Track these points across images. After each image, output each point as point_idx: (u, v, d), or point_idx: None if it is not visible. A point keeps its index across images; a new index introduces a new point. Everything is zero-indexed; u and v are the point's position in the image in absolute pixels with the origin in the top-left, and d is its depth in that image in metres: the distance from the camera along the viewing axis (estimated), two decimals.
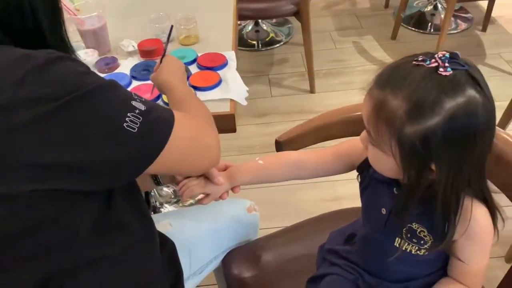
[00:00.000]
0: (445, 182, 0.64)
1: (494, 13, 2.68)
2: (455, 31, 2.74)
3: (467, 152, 0.63)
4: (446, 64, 0.62)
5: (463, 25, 2.80)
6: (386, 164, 0.68)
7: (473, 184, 0.68)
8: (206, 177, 0.85)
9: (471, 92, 0.62)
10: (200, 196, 0.86)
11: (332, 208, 1.17)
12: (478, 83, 0.62)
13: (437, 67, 0.62)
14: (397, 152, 0.65)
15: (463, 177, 0.65)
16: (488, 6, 2.65)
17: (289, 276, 0.99)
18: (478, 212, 0.69)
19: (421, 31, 2.78)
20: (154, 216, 0.82)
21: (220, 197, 0.87)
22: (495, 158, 0.85)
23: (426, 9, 2.91)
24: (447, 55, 0.63)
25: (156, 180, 0.89)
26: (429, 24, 2.83)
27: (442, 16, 2.77)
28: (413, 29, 2.79)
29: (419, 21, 2.85)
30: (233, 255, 1.02)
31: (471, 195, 0.69)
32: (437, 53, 0.64)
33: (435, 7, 2.87)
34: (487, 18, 2.69)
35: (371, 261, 0.83)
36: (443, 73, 0.62)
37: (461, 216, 0.68)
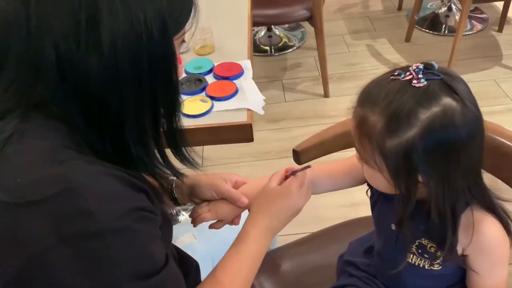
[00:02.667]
0: (435, 194, 0.64)
1: (510, 13, 2.65)
2: (470, 32, 2.71)
3: (452, 163, 0.63)
4: (420, 76, 0.62)
5: (478, 26, 2.76)
6: (379, 179, 0.68)
7: (474, 195, 0.67)
8: (226, 200, 0.83)
9: (447, 101, 0.61)
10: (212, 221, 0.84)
11: (350, 214, 1.16)
12: (455, 91, 0.62)
13: (411, 80, 0.62)
14: (383, 167, 0.65)
15: (454, 188, 0.64)
16: (504, 6, 2.61)
17: (309, 285, 0.99)
18: (486, 226, 0.68)
19: (436, 33, 2.76)
20: (178, 227, 0.82)
21: (233, 222, 0.85)
22: None
23: (440, 11, 2.89)
24: (421, 66, 0.64)
25: (175, 201, 0.87)
26: (443, 25, 2.80)
27: (457, 17, 2.75)
28: (427, 31, 2.77)
29: (433, 23, 2.83)
30: None
31: (478, 207, 0.68)
32: (411, 66, 0.64)
33: (449, 9, 2.84)
34: (503, 19, 2.65)
35: (387, 275, 0.83)
36: (417, 85, 0.62)
37: (464, 229, 0.67)
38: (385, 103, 0.62)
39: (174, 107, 0.62)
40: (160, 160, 0.63)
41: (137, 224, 0.54)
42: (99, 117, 0.55)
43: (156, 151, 0.63)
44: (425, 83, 0.62)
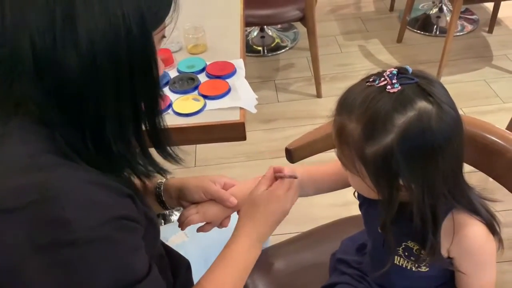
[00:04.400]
0: (416, 197, 0.64)
1: (500, 14, 2.67)
2: (461, 33, 2.74)
3: (431, 166, 0.62)
4: (394, 81, 0.62)
5: (469, 27, 2.79)
6: (362, 186, 0.68)
7: (455, 197, 0.67)
8: (214, 201, 0.82)
9: (422, 104, 0.61)
10: (200, 224, 0.83)
11: (342, 213, 1.16)
12: (430, 94, 0.61)
13: (385, 85, 0.62)
14: (364, 173, 0.65)
15: (434, 191, 0.64)
16: (494, 8, 2.64)
17: (301, 284, 0.99)
18: (468, 228, 0.68)
19: (427, 33, 2.78)
20: (170, 226, 0.82)
21: (221, 225, 0.84)
22: (507, 162, 0.85)
23: (431, 12, 2.91)
24: (394, 71, 0.63)
25: (163, 204, 0.86)
26: (435, 26, 2.83)
27: (448, 18, 2.77)
28: (419, 32, 2.79)
29: (425, 24, 2.85)
30: None
31: (460, 209, 0.68)
32: (385, 71, 0.64)
33: (441, 10, 2.87)
34: (493, 20, 2.68)
35: (377, 275, 0.83)
36: (391, 90, 0.61)
37: (447, 232, 0.68)
38: (361, 110, 0.62)
39: (155, 103, 0.60)
40: (143, 157, 0.62)
41: (117, 233, 0.53)
42: (78, 114, 0.54)
43: (138, 148, 0.61)
44: (400, 87, 0.61)
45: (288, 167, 0.80)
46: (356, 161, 0.65)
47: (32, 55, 0.51)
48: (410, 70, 0.64)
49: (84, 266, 0.51)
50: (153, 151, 0.65)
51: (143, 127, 0.61)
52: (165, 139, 0.64)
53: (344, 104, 0.66)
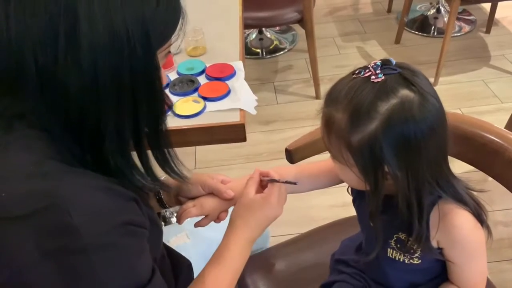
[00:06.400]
0: (401, 184, 0.66)
1: (497, 15, 2.69)
2: (458, 34, 2.75)
3: (413, 154, 0.64)
4: (378, 71, 0.64)
5: (466, 28, 2.80)
6: (350, 176, 0.69)
7: (441, 186, 0.68)
8: (213, 193, 0.83)
9: (404, 92, 0.63)
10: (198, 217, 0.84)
11: (342, 214, 1.17)
12: (412, 83, 0.63)
13: (370, 76, 0.64)
14: (352, 162, 0.66)
15: (419, 179, 0.66)
16: (491, 8, 2.65)
17: (302, 284, 0.99)
18: (455, 218, 0.69)
19: (425, 34, 2.79)
20: (171, 228, 0.82)
21: (218, 218, 0.85)
22: (505, 161, 0.85)
23: (429, 13, 2.92)
24: (378, 62, 0.66)
25: (161, 202, 0.86)
26: (433, 27, 2.84)
27: (445, 19, 2.78)
28: (417, 32, 2.80)
29: (422, 25, 2.86)
30: (247, 264, 1.02)
31: (447, 199, 0.69)
32: (370, 63, 0.66)
33: (438, 11, 2.88)
34: (491, 20, 2.69)
35: (373, 270, 0.84)
36: (375, 80, 0.64)
37: (434, 222, 0.69)
38: (347, 100, 0.64)
39: (158, 118, 0.60)
40: (143, 172, 0.61)
41: (124, 239, 0.54)
42: (78, 128, 0.54)
43: (140, 163, 0.61)
44: (383, 77, 0.64)
45: (273, 171, 0.81)
46: (344, 150, 0.66)
47: (35, 69, 0.50)
48: (394, 61, 0.66)
49: (91, 272, 0.51)
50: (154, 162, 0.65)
51: (147, 145, 0.60)
52: (169, 155, 0.64)
53: (331, 96, 0.68)
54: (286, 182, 0.79)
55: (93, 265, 0.51)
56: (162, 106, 0.60)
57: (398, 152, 0.64)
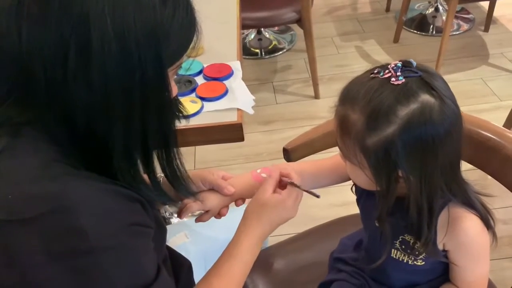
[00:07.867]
0: (414, 189, 0.65)
1: (495, 13, 2.69)
2: (457, 32, 2.75)
3: (430, 159, 0.63)
4: (398, 73, 0.63)
5: (465, 26, 2.80)
6: (361, 176, 0.69)
7: (452, 191, 0.67)
8: (213, 189, 0.83)
9: (425, 97, 0.62)
10: (198, 212, 0.84)
11: (342, 213, 1.17)
12: (433, 88, 0.62)
13: (390, 77, 0.63)
14: (365, 164, 0.66)
15: (432, 184, 0.65)
16: (489, 6, 2.65)
17: (301, 283, 0.99)
18: (464, 222, 0.69)
19: (423, 33, 2.79)
20: (170, 228, 0.83)
21: (219, 214, 0.85)
22: (502, 158, 0.86)
23: (427, 12, 2.92)
24: (399, 64, 0.64)
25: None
26: (431, 26, 2.84)
27: (444, 18, 2.78)
28: (415, 31, 2.80)
29: (421, 24, 2.86)
30: None
31: (456, 203, 0.69)
32: (390, 64, 0.65)
33: (436, 9, 2.88)
34: (489, 18, 2.69)
35: (373, 269, 0.84)
36: (395, 82, 0.62)
37: (443, 226, 0.68)
38: (365, 101, 0.63)
39: (167, 136, 0.60)
40: (151, 187, 0.61)
41: (131, 240, 0.54)
42: (85, 142, 0.54)
43: (148, 179, 0.61)
44: (403, 80, 0.62)
45: (294, 173, 0.80)
46: (357, 152, 0.65)
47: (44, 81, 0.50)
48: (415, 63, 0.65)
49: (99, 273, 0.51)
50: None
51: (159, 161, 0.60)
52: (179, 171, 0.64)
53: (348, 95, 0.66)
54: (309, 192, 0.78)
55: (101, 266, 0.51)
56: (171, 123, 0.60)
57: (413, 157, 0.63)
